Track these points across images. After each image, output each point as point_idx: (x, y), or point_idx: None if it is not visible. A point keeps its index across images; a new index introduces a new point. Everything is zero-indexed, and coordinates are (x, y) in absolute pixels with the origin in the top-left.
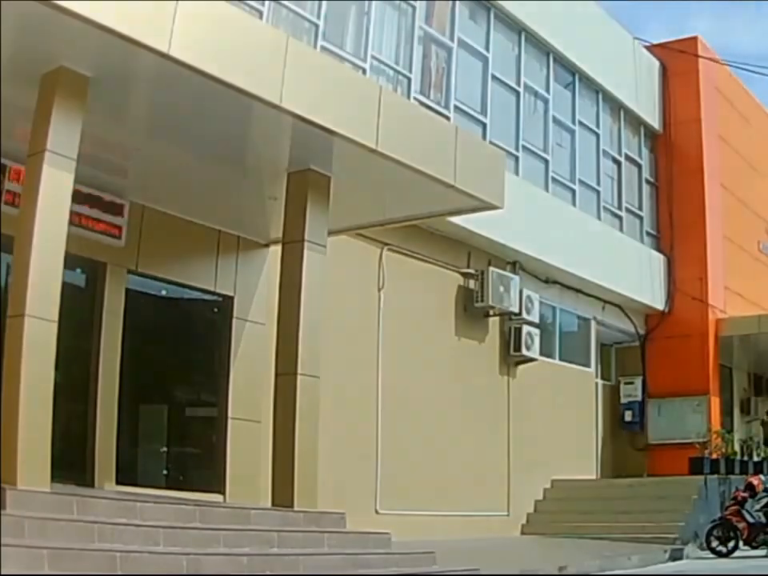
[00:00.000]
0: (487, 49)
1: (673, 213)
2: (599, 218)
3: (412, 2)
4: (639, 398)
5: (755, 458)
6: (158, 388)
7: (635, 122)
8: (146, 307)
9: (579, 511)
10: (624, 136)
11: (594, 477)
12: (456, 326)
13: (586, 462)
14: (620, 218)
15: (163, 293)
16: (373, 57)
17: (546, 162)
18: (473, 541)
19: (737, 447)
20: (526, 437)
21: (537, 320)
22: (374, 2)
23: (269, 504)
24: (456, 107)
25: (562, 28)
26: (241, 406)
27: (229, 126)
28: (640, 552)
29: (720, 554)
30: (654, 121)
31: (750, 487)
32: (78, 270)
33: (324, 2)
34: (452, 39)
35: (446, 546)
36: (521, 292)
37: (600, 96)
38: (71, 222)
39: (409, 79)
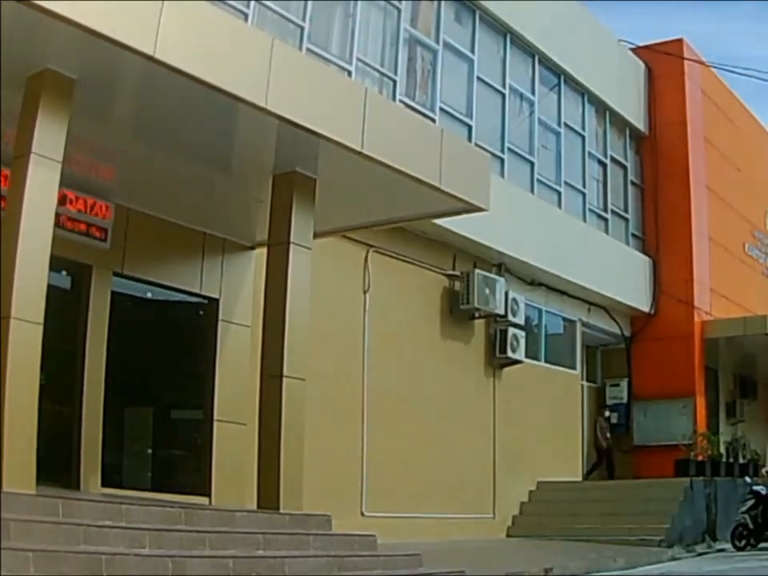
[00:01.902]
0: (472, 51)
1: (658, 215)
2: (585, 219)
3: (397, 3)
4: (625, 400)
5: (741, 460)
6: (144, 390)
7: (621, 124)
8: (132, 309)
9: (565, 513)
10: (610, 138)
11: (579, 479)
12: (441, 328)
13: (572, 464)
14: (605, 220)
15: (148, 295)
16: (358, 59)
17: (532, 164)
18: (458, 543)
19: (722, 449)
20: (512, 439)
21: (522, 322)
22: (359, 2)
23: (254, 506)
24: (441, 109)
25: (548, 30)
26: (226, 409)
27: (214, 129)
28: (626, 554)
29: None
30: (639, 123)
31: None
32: (64, 273)
33: (309, 5)
34: (437, 41)
35: (432, 547)
36: (506, 294)
37: (585, 98)
38: (57, 224)
39: (394, 81)
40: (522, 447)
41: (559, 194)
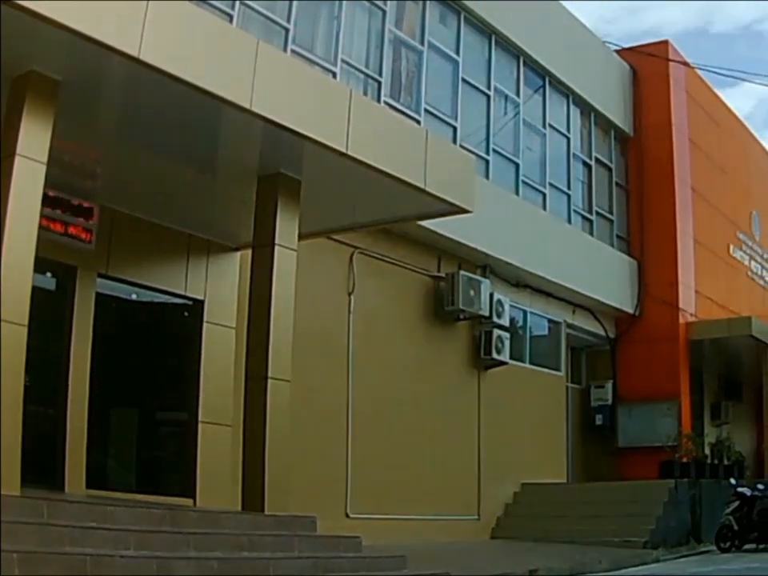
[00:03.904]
0: (457, 52)
1: (643, 216)
2: (570, 221)
3: (381, 4)
4: (610, 402)
5: (725, 462)
6: (129, 392)
7: (606, 126)
8: (117, 311)
9: (549, 515)
10: (594, 139)
11: (564, 480)
12: (426, 329)
13: (557, 466)
14: (590, 221)
15: (133, 296)
16: (343, 60)
17: (517, 165)
18: (443, 544)
19: (707, 451)
20: (497, 440)
21: (507, 324)
22: (344, 3)
23: (239, 508)
24: (426, 110)
25: (533, 32)
26: (211, 410)
27: (199, 130)
28: (610, 555)
29: None
30: (624, 124)
31: None
32: (48, 274)
33: (294, 6)
34: (422, 43)
35: (417, 549)
36: (491, 295)
37: (570, 99)
38: (41, 226)
39: (379, 83)
40: (506, 449)
41: (544, 195)
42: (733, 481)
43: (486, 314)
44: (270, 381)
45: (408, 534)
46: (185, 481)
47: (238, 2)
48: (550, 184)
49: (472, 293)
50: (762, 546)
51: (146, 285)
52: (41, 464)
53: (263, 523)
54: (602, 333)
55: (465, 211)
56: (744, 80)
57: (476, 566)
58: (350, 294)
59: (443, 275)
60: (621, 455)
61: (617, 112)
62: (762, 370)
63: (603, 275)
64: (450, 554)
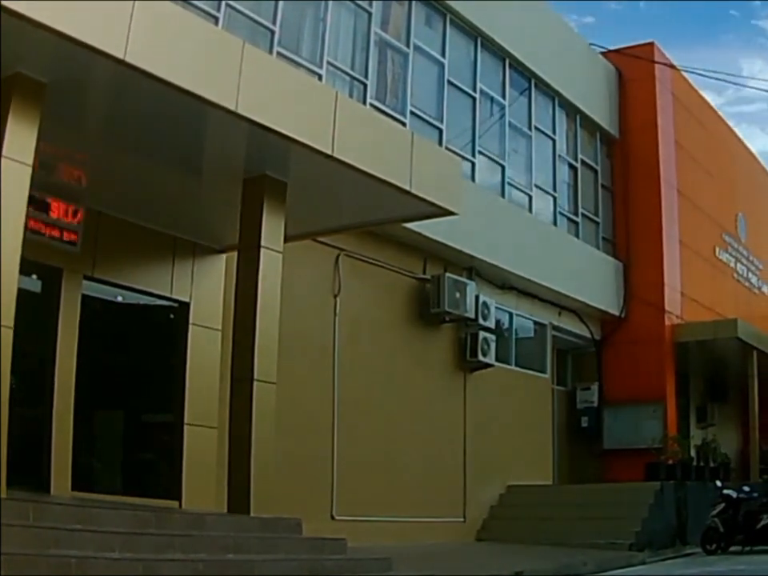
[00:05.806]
0: (443, 54)
1: (629, 218)
2: (555, 223)
3: (367, 6)
4: (595, 404)
5: (711, 464)
6: (114, 394)
7: (592, 128)
8: (102, 313)
9: (535, 517)
10: (580, 142)
11: (550, 482)
12: (412, 331)
13: (542, 468)
14: (576, 223)
15: (119, 299)
16: (329, 62)
17: (503, 167)
18: (428, 546)
19: (693, 453)
20: (482, 442)
21: (493, 326)
22: (330, 4)
23: (225, 510)
24: (412, 113)
25: (518, 34)
26: (197, 412)
27: (185, 132)
28: (596, 557)
29: None
30: (610, 126)
31: None
32: (34, 276)
33: (280, 8)
34: (408, 45)
35: (402, 551)
36: (477, 298)
37: (556, 102)
38: (27, 228)
39: (365, 85)
40: (492, 451)
41: (530, 197)
42: (718, 483)
43: (472, 316)
44: (255, 383)
45: (393, 537)
46: (170, 483)
47: (223, 4)
48: (536, 186)
49: (458, 295)
50: (747, 548)
51: (131, 287)
52: (26, 466)
53: (249, 525)
54: (588, 335)
55: (451, 213)
56: (731, 82)
57: (461, 568)
58: (335, 296)
59: (429, 277)
60: (606, 457)
61: (602, 114)
62: (748, 372)
63: (589, 277)
64: (435, 556)
